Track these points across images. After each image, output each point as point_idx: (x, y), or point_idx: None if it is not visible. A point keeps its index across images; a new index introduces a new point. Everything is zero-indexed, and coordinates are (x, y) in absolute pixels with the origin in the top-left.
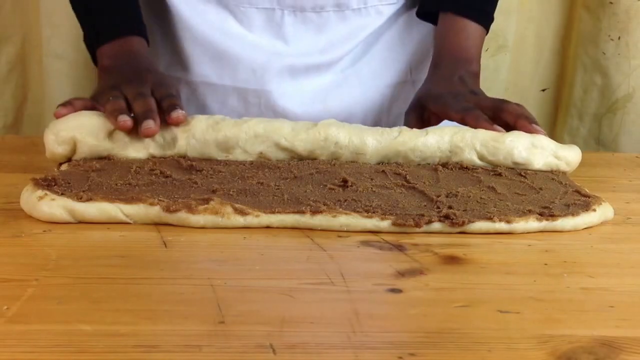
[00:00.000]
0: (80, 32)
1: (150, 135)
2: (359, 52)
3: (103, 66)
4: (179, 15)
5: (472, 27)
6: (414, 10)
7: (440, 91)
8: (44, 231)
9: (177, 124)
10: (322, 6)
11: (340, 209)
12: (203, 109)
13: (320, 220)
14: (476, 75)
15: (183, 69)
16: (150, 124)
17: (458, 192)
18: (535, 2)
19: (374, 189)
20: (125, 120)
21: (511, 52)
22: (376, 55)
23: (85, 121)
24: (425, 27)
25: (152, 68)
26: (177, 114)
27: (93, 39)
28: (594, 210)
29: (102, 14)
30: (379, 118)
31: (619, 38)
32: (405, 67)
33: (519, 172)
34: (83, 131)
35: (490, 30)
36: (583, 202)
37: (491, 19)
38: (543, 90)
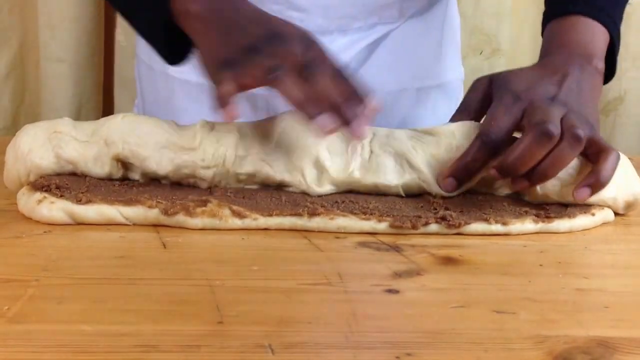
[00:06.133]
0: (79, 34)
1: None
2: (361, 58)
3: (191, 13)
4: None
5: (587, 23)
6: (417, 18)
7: (515, 79)
8: (44, 232)
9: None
10: (326, 30)
11: (338, 211)
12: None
13: (317, 222)
14: (597, 73)
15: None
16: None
17: None
18: (529, 5)
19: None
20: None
21: (506, 56)
22: (378, 61)
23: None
24: (430, 33)
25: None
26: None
27: None
28: (593, 214)
29: None
30: (379, 125)
31: None
32: (408, 74)
33: None
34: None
35: (483, 34)
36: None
37: (614, 20)
38: None
